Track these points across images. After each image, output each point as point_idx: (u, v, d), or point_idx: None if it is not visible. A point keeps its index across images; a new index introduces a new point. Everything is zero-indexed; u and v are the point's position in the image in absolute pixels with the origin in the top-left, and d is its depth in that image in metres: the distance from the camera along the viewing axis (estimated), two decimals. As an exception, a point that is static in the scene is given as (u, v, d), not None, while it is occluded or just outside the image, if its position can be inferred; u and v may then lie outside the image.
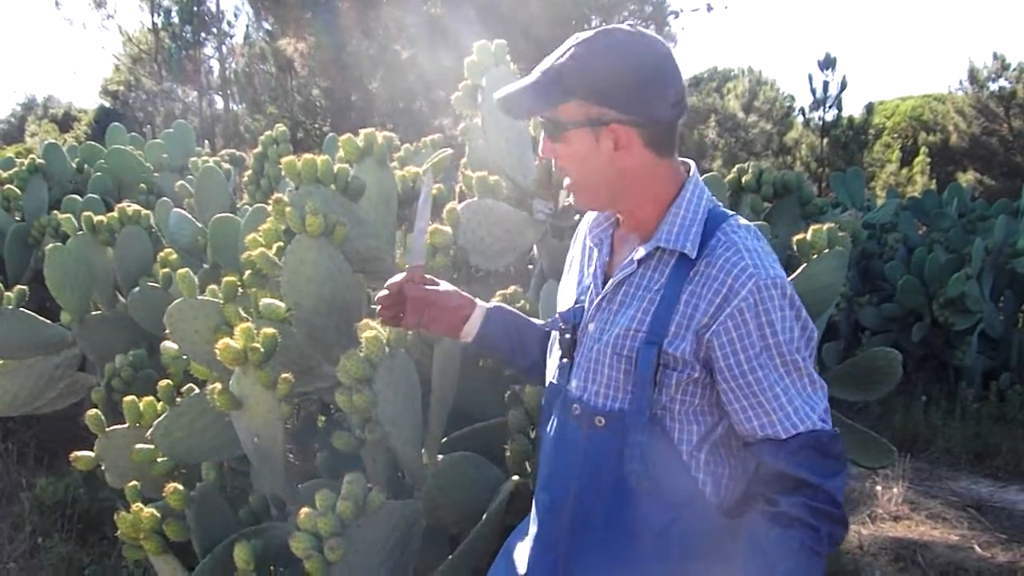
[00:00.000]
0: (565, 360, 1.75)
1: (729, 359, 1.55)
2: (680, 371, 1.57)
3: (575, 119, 1.59)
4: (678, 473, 1.60)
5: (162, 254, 3.90)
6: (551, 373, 1.81)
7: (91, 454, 2.89)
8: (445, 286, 1.90)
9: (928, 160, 20.42)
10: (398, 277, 1.86)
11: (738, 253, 1.56)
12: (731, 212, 1.67)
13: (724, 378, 1.57)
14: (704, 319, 1.55)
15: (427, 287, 1.86)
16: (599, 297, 1.69)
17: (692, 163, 1.70)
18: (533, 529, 1.80)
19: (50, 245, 3.96)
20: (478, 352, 2.59)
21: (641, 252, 1.64)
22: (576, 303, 1.76)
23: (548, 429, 1.77)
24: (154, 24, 25.18)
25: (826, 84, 19.56)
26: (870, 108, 21.34)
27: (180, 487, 2.48)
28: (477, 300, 1.93)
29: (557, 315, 1.79)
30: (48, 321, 3.98)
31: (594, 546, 1.66)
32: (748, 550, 1.57)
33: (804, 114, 21.21)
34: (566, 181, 1.69)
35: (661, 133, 1.61)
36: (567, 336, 1.75)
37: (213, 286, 2.85)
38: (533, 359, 1.94)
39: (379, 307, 1.87)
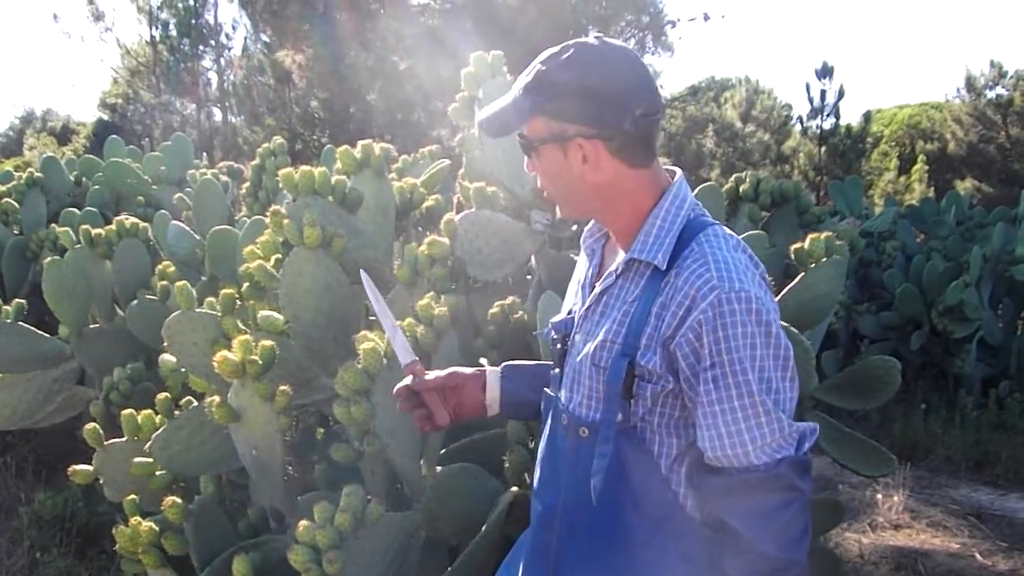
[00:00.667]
0: (556, 370, 1.76)
1: (686, 372, 1.53)
2: (654, 383, 1.56)
3: (541, 136, 1.60)
4: (657, 487, 1.59)
5: (160, 267, 3.90)
6: (547, 384, 1.83)
7: (89, 468, 2.88)
8: (447, 371, 1.89)
9: (926, 168, 20.46)
10: (405, 381, 1.84)
11: (705, 264, 1.53)
12: (714, 221, 1.64)
13: (684, 389, 1.55)
14: (668, 331, 1.53)
15: (433, 378, 1.85)
16: (584, 307, 1.70)
17: (679, 172, 1.69)
18: (529, 535, 1.82)
19: (48, 259, 3.96)
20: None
21: (618, 265, 1.64)
22: (568, 313, 1.77)
23: (542, 438, 1.79)
24: (152, 37, 25.24)
25: (823, 93, 19.60)
26: (868, 116, 21.38)
27: (178, 500, 2.48)
28: (487, 367, 1.92)
29: (550, 325, 1.80)
30: (46, 335, 3.97)
31: (582, 554, 1.66)
32: None
33: (802, 123, 21.25)
34: (546, 193, 1.72)
35: (630, 144, 1.58)
36: (558, 346, 1.75)
37: (211, 299, 2.85)
38: None
39: (413, 419, 1.86)
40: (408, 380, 1.84)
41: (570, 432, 1.67)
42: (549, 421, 1.77)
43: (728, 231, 1.63)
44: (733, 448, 1.50)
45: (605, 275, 1.68)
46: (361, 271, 1.98)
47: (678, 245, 1.58)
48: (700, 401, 1.52)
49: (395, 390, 1.84)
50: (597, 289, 1.68)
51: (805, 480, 1.52)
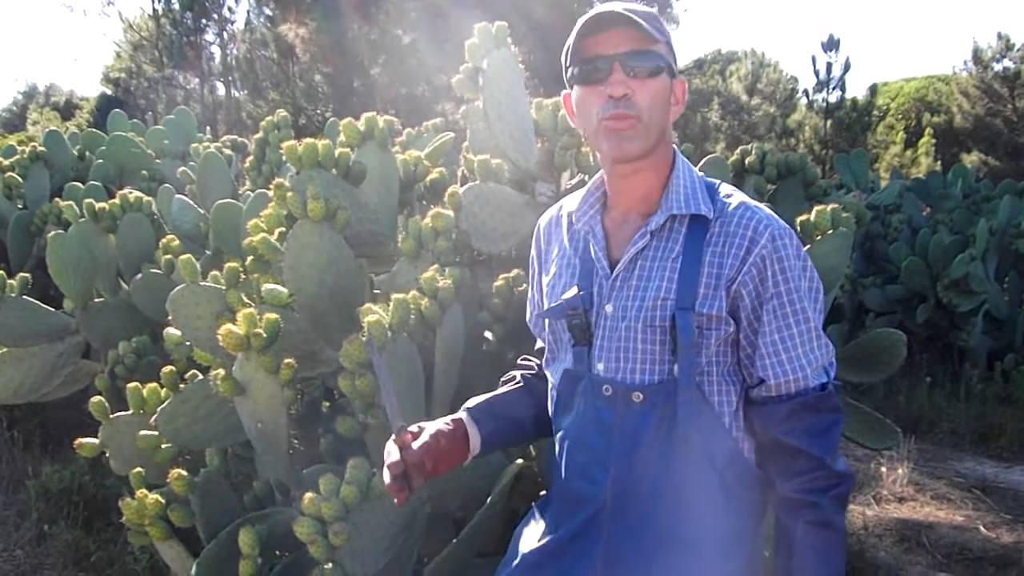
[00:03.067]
0: (581, 346, 1.72)
1: (748, 308, 1.61)
2: (717, 329, 1.61)
3: (668, 61, 1.64)
4: (721, 435, 1.64)
5: (164, 241, 3.89)
6: (563, 363, 1.78)
7: (95, 441, 2.89)
8: (426, 426, 1.76)
9: (932, 141, 20.39)
10: (395, 455, 1.66)
11: (749, 209, 1.64)
12: (716, 180, 1.75)
13: (742, 326, 1.63)
14: (731, 273, 1.60)
15: (418, 445, 1.69)
16: (612, 278, 1.68)
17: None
18: (546, 525, 1.79)
19: (52, 233, 3.95)
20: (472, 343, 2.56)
21: (655, 223, 1.66)
22: (579, 291, 1.72)
23: (573, 417, 1.74)
24: (155, 11, 25.17)
25: (829, 66, 19.50)
26: (874, 89, 21.28)
27: (184, 473, 2.48)
28: (459, 414, 1.83)
29: (562, 301, 1.73)
30: (51, 309, 3.98)
31: (642, 522, 1.65)
32: (776, 542, 1.66)
33: (807, 96, 21.16)
34: (614, 122, 1.61)
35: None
36: (576, 322, 1.71)
37: (215, 272, 2.84)
38: (532, 419, 1.91)
39: (388, 487, 1.67)
40: (395, 454, 1.67)
41: (616, 401, 1.65)
42: (579, 399, 1.72)
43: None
44: (795, 372, 1.61)
45: (633, 240, 1.67)
46: (367, 340, 1.94)
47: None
48: (762, 331, 1.62)
49: (387, 464, 1.66)
50: (628, 254, 1.67)
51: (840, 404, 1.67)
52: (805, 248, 2.83)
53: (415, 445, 1.68)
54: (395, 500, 1.67)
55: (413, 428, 1.73)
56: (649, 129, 1.62)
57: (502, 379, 2.01)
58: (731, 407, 1.65)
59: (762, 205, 1.67)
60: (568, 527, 1.73)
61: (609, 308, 1.68)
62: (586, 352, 1.71)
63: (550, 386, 1.84)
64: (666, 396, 1.61)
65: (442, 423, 1.78)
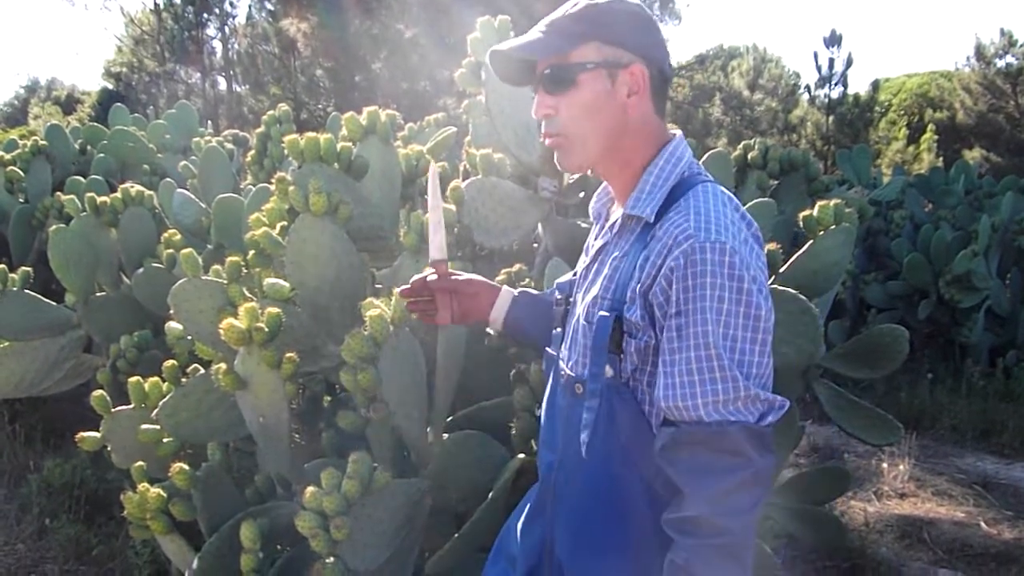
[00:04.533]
0: (558, 329, 1.81)
1: (659, 318, 1.52)
2: (638, 338, 1.54)
3: (592, 60, 1.57)
4: (647, 443, 1.56)
5: (166, 235, 3.89)
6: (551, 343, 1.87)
7: (97, 435, 2.89)
8: (468, 276, 1.95)
9: (934, 137, 20.37)
10: (426, 274, 1.90)
11: (686, 216, 1.51)
12: (710, 180, 1.63)
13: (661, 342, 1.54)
14: (648, 281, 1.52)
15: (452, 279, 1.91)
16: (583, 267, 1.75)
17: (680, 133, 1.69)
18: (531, 495, 1.89)
19: (54, 227, 3.95)
20: (486, 331, 2.59)
21: (617, 221, 1.67)
22: (575, 275, 1.82)
23: (547, 393, 1.82)
24: (156, 5, 25.16)
25: (831, 61, 19.53)
26: (876, 85, 21.30)
27: (186, 467, 2.48)
28: (504, 286, 1.98)
29: (555, 286, 1.87)
30: (53, 303, 3.98)
31: (574, 511, 1.68)
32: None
33: (810, 91, 21.18)
34: (549, 140, 1.65)
35: (663, 87, 1.64)
36: (560, 307, 1.81)
37: (217, 266, 2.84)
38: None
39: (406, 303, 1.93)
40: (429, 273, 1.91)
41: (567, 390, 1.68)
42: (551, 381, 1.80)
43: (724, 190, 1.61)
44: (684, 399, 1.45)
45: (601, 233, 1.72)
46: (431, 168, 1.95)
47: (668, 200, 1.58)
48: (662, 348, 1.50)
49: (411, 280, 1.91)
50: (595, 248, 1.71)
51: (762, 453, 1.45)
52: (808, 243, 2.84)
53: (451, 279, 1.90)
54: (414, 316, 1.95)
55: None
56: (582, 141, 1.61)
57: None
58: (659, 418, 1.55)
59: (715, 213, 1.51)
60: (532, 500, 1.85)
61: (578, 297, 1.74)
62: (560, 336, 1.79)
63: None
64: (600, 393, 1.60)
65: (483, 280, 1.95)
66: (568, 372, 1.69)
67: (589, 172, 1.74)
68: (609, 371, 1.58)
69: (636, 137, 1.63)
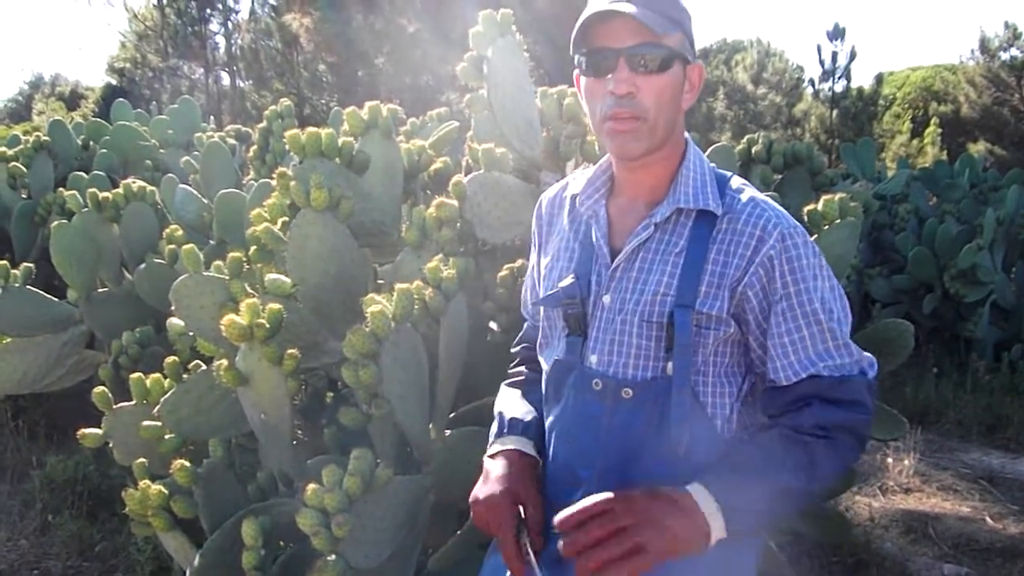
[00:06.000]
0: (575, 336, 1.67)
1: (756, 310, 1.56)
2: (716, 329, 1.56)
3: (683, 50, 1.57)
4: (712, 439, 1.58)
5: (168, 230, 3.88)
6: (555, 351, 1.73)
7: (99, 431, 2.88)
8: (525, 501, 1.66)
9: (939, 131, 20.32)
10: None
11: (759, 207, 1.58)
12: (728, 172, 1.69)
13: (750, 328, 1.58)
14: (737, 274, 1.55)
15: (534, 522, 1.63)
16: (612, 268, 1.64)
17: None
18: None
19: (56, 223, 3.95)
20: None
21: (660, 215, 1.60)
22: (577, 278, 1.68)
23: (561, 408, 1.70)
24: (159, 1, 25.13)
25: (835, 55, 19.50)
26: (880, 79, 21.27)
27: (187, 464, 2.47)
28: (510, 444, 1.75)
29: (558, 290, 1.69)
30: (55, 299, 3.97)
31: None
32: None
33: (813, 85, 21.15)
34: (614, 122, 1.56)
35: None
36: (571, 311, 1.67)
37: (219, 262, 2.83)
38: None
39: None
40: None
41: (606, 396, 1.61)
42: (568, 390, 1.68)
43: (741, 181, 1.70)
44: (806, 370, 1.56)
45: (635, 230, 1.62)
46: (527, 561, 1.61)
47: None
48: (771, 333, 1.56)
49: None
50: (630, 245, 1.62)
51: (873, 401, 1.60)
52: (812, 238, 2.83)
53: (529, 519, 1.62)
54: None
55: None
56: (655, 128, 1.56)
57: (509, 371, 1.99)
58: (724, 410, 1.59)
59: (773, 202, 1.62)
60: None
61: (607, 299, 1.63)
62: (580, 343, 1.66)
63: (544, 373, 1.78)
64: (656, 394, 1.57)
65: (513, 479, 1.66)
66: (609, 377, 1.61)
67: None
68: (668, 368, 1.57)
69: (680, 132, 1.65)
